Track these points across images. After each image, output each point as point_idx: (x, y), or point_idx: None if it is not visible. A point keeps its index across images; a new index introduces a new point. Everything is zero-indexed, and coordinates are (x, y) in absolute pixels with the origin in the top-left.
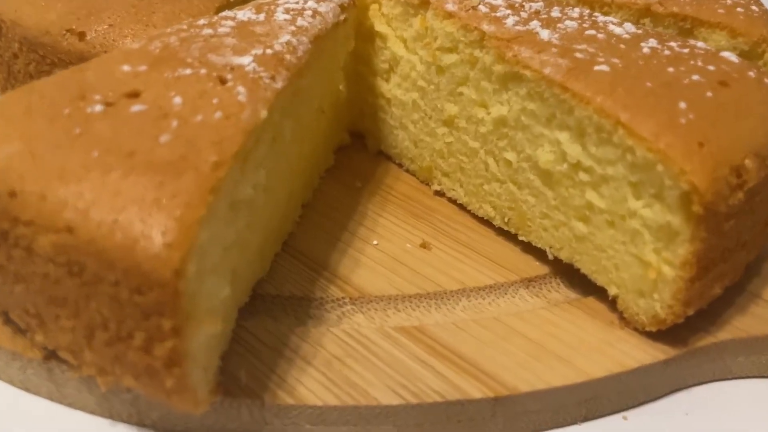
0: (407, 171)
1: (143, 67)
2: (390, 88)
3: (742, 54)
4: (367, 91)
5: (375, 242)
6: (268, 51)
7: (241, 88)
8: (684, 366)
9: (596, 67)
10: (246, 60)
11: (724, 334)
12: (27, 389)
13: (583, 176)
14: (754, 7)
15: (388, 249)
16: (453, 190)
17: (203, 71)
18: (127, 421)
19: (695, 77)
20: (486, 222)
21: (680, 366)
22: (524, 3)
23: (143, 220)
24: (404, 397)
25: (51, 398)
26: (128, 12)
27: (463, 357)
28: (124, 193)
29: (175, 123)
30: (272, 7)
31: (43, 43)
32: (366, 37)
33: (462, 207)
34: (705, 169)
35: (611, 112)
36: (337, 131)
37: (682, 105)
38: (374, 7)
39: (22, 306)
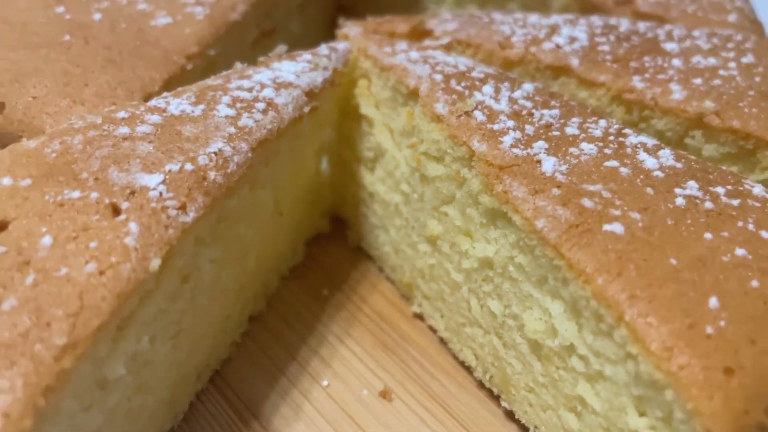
0: (387, 279)
1: (27, 182)
2: (373, 181)
3: None
4: (350, 179)
5: (325, 383)
6: (188, 166)
7: (133, 226)
8: None
9: (607, 226)
10: (154, 180)
11: None
12: None
13: (576, 363)
14: None
15: (339, 395)
16: (433, 318)
17: (94, 195)
18: None
19: (740, 252)
20: (467, 368)
21: None
22: (534, 110)
23: None
24: None
25: None
26: (58, 81)
27: None
28: None
29: (30, 278)
30: (218, 94)
31: None
32: (352, 118)
33: (442, 341)
34: (729, 411)
35: (614, 302)
36: (312, 219)
37: (713, 303)
38: (362, 83)
39: None
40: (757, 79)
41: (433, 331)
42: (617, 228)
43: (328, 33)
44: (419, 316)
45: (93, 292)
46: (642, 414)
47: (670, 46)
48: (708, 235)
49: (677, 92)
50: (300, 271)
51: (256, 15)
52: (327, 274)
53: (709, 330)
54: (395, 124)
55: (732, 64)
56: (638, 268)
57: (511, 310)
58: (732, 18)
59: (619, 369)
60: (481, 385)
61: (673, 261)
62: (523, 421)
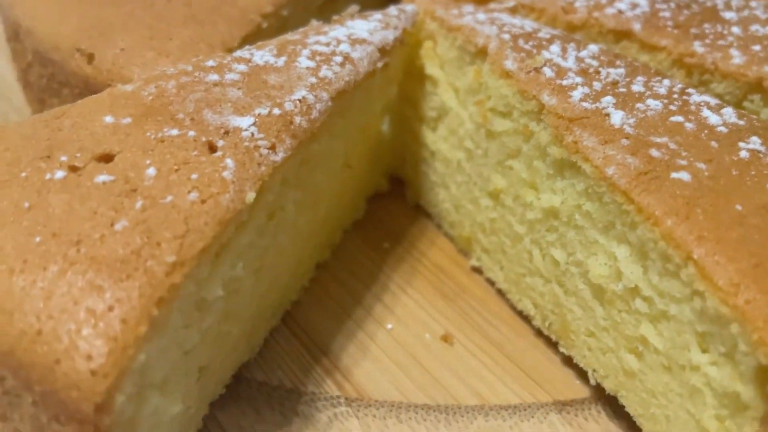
0: (445, 235)
1: (127, 120)
2: (435, 140)
3: None
4: (412, 138)
5: (390, 326)
6: (276, 111)
7: (229, 161)
8: None
9: (674, 174)
10: (246, 122)
11: None
12: None
13: (640, 305)
14: None
15: (403, 337)
16: (492, 270)
17: (191, 134)
18: None
19: None
20: (525, 318)
21: None
22: (600, 68)
23: (71, 335)
24: None
25: None
26: (143, 36)
27: None
28: (55, 297)
29: (139, 203)
30: (297, 48)
31: (53, 59)
32: (416, 78)
33: (500, 293)
34: None
35: (682, 243)
36: (373, 177)
37: None
38: (428, 44)
39: None
40: None
41: (491, 283)
42: (684, 176)
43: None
44: (477, 270)
45: (197, 218)
46: (705, 350)
47: (728, 15)
48: None
49: (737, 57)
50: (361, 226)
51: None
52: (387, 230)
53: None
54: (461, 83)
55: None
56: (705, 212)
57: (575, 258)
58: None
59: (684, 307)
60: (538, 333)
61: (739, 207)
62: (582, 365)
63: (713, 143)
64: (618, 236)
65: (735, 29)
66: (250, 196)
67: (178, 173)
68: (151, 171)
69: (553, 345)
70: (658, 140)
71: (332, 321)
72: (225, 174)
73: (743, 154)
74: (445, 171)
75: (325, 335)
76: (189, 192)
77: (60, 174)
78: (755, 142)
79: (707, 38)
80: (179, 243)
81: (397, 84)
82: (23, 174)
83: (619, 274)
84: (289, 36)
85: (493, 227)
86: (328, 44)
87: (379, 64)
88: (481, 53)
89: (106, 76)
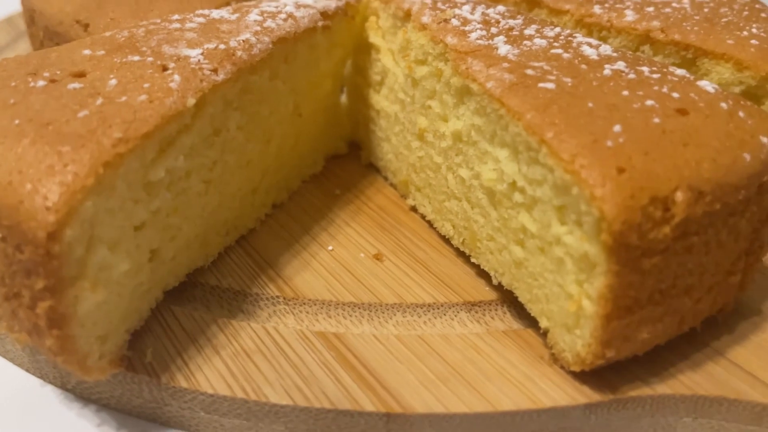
0: (390, 185)
1: (101, 52)
2: (379, 99)
3: (748, 90)
4: (362, 103)
5: (330, 248)
6: (221, 46)
7: (176, 77)
8: (615, 416)
9: (541, 84)
10: (194, 52)
11: (663, 388)
12: None
13: (518, 197)
14: None
15: (340, 256)
16: (423, 205)
17: (150, 59)
18: (53, 383)
19: (649, 102)
20: (448, 242)
21: (610, 415)
22: (501, 20)
23: (33, 183)
24: (295, 399)
25: None
26: (129, 8)
27: (370, 370)
28: (25, 158)
29: (99, 101)
30: (250, 8)
31: (58, 32)
32: (364, 50)
33: (430, 224)
34: (618, 195)
35: (538, 129)
36: (331, 139)
37: (617, 128)
38: (372, 19)
39: None
40: (706, 10)
41: (423, 218)
42: (549, 86)
43: None
44: (413, 209)
45: (143, 111)
46: (563, 223)
47: None
48: (625, 92)
49: (630, 16)
50: (318, 179)
51: None
52: (341, 181)
53: (609, 143)
54: (395, 46)
55: (686, 1)
56: (560, 108)
57: (474, 171)
58: None
59: (545, 188)
60: (458, 252)
61: (590, 105)
62: (486, 269)
63: (583, 66)
64: (500, 142)
65: None
66: (190, 101)
67: (134, 83)
68: (113, 82)
69: (468, 260)
70: (535, 64)
71: (281, 244)
72: (171, 84)
73: (606, 72)
74: (387, 125)
75: (274, 254)
76: (140, 95)
77: (41, 83)
78: (620, 65)
79: (607, 3)
80: (126, 126)
81: (349, 56)
82: (12, 84)
83: (502, 174)
84: (246, 2)
85: (421, 164)
86: (276, 6)
87: (320, 24)
88: (407, 16)
89: None
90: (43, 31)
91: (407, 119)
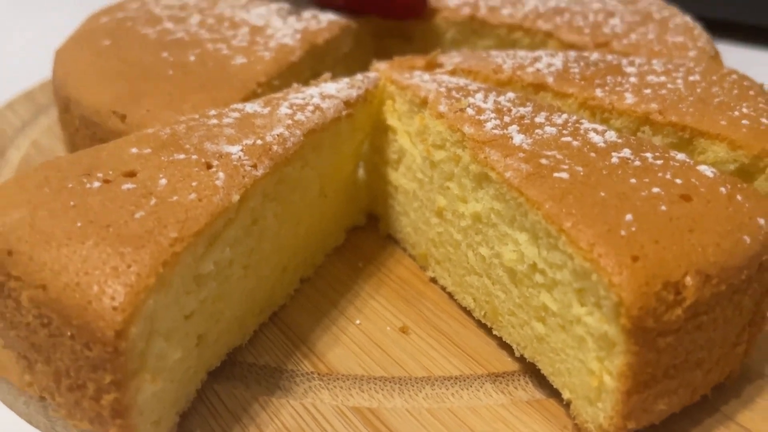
0: (409, 256)
1: (147, 150)
2: (397, 177)
3: (741, 167)
4: (380, 179)
5: (358, 322)
6: (258, 141)
7: (221, 174)
8: None
9: (556, 174)
10: (235, 149)
11: None
12: (29, 422)
13: (538, 278)
14: (764, 120)
15: (368, 330)
16: (443, 278)
17: (194, 157)
18: None
19: (655, 190)
20: (469, 314)
21: None
22: (512, 108)
23: (99, 284)
24: None
25: None
26: (163, 100)
27: None
28: (90, 260)
29: (153, 201)
30: (279, 101)
31: (95, 121)
32: (382, 131)
33: (450, 296)
34: (634, 283)
35: (556, 219)
36: (351, 213)
37: (628, 217)
38: (389, 102)
39: (17, 349)
40: (698, 90)
41: (443, 289)
42: (564, 175)
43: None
44: (433, 280)
45: (194, 209)
46: (583, 305)
47: (629, 69)
48: (633, 180)
49: (629, 98)
50: (341, 251)
51: (310, 60)
52: (362, 254)
53: (623, 233)
54: (412, 129)
55: (679, 81)
56: (575, 197)
57: (494, 251)
58: (692, 54)
59: (564, 272)
60: (479, 324)
61: (602, 194)
62: (508, 341)
63: (592, 154)
64: (519, 226)
65: (632, 79)
66: (235, 197)
67: (182, 182)
68: (163, 181)
69: (490, 332)
70: (548, 153)
71: (311, 319)
72: (217, 182)
73: (614, 160)
74: (405, 201)
75: (305, 330)
76: (190, 194)
77: (96, 184)
78: (626, 152)
79: (607, 86)
80: (180, 226)
81: (368, 137)
82: (69, 185)
83: (522, 256)
84: (275, 94)
85: (440, 240)
86: (303, 99)
87: (344, 113)
88: (424, 103)
89: (135, 130)
90: (78, 119)
91: (426, 197)
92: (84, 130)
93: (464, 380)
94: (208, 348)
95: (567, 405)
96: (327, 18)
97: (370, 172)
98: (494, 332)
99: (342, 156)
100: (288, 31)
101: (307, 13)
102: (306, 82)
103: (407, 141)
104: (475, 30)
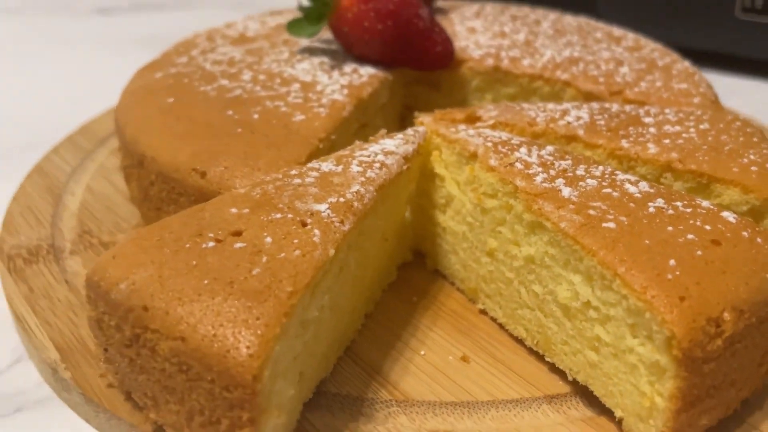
0: (458, 289)
1: (246, 210)
2: (445, 219)
3: (753, 208)
4: (427, 220)
5: (422, 353)
6: (341, 199)
7: (316, 231)
8: None
9: (604, 224)
10: (323, 207)
11: None
12: None
13: (592, 313)
14: None
15: (432, 360)
16: (494, 310)
17: (290, 216)
18: None
19: (690, 236)
20: (520, 342)
21: None
22: (555, 161)
23: (234, 335)
24: None
25: None
26: (239, 157)
27: None
28: (222, 314)
29: (264, 258)
30: (349, 159)
31: (174, 177)
32: (428, 177)
33: (501, 326)
34: (684, 320)
35: (611, 265)
36: (401, 251)
37: (672, 262)
38: (436, 153)
39: (143, 390)
40: (710, 138)
41: (494, 320)
42: (611, 225)
43: (399, 124)
44: (483, 311)
45: (301, 264)
46: (635, 336)
47: (647, 120)
48: (670, 228)
49: (652, 148)
50: (394, 287)
51: (357, 113)
52: (414, 289)
53: (669, 276)
54: (460, 178)
55: (692, 130)
56: (625, 245)
57: (548, 288)
58: (696, 100)
59: (618, 308)
60: (530, 351)
61: (647, 242)
62: (561, 367)
63: (631, 204)
64: (573, 269)
65: (652, 129)
66: (331, 251)
67: (285, 239)
68: (268, 239)
69: (541, 358)
70: (594, 204)
71: (380, 352)
72: (314, 239)
73: (651, 210)
74: (454, 241)
75: (376, 361)
76: (294, 250)
77: (211, 244)
78: (660, 202)
79: (631, 137)
80: (293, 280)
81: (416, 183)
82: (187, 245)
83: (577, 294)
84: (342, 152)
85: (491, 277)
86: (369, 156)
87: (404, 167)
88: (473, 156)
89: (215, 187)
90: (155, 175)
91: (476, 239)
92: (161, 184)
93: (524, 402)
94: (306, 383)
95: (619, 422)
96: (367, 72)
97: (417, 213)
98: (546, 358)
99: (399, 203)
100: (335, 86)
101: (348, 67)
102: (355, 134)
103: (455, 188)
104: (499, 79)
